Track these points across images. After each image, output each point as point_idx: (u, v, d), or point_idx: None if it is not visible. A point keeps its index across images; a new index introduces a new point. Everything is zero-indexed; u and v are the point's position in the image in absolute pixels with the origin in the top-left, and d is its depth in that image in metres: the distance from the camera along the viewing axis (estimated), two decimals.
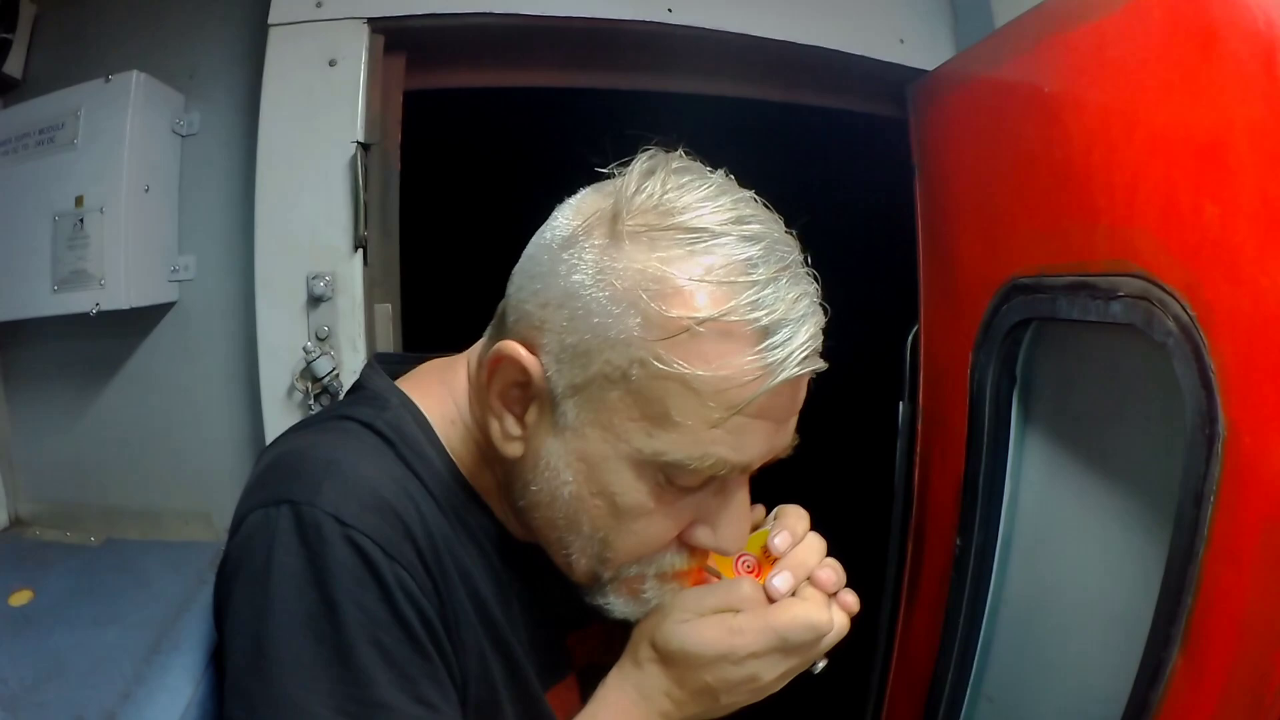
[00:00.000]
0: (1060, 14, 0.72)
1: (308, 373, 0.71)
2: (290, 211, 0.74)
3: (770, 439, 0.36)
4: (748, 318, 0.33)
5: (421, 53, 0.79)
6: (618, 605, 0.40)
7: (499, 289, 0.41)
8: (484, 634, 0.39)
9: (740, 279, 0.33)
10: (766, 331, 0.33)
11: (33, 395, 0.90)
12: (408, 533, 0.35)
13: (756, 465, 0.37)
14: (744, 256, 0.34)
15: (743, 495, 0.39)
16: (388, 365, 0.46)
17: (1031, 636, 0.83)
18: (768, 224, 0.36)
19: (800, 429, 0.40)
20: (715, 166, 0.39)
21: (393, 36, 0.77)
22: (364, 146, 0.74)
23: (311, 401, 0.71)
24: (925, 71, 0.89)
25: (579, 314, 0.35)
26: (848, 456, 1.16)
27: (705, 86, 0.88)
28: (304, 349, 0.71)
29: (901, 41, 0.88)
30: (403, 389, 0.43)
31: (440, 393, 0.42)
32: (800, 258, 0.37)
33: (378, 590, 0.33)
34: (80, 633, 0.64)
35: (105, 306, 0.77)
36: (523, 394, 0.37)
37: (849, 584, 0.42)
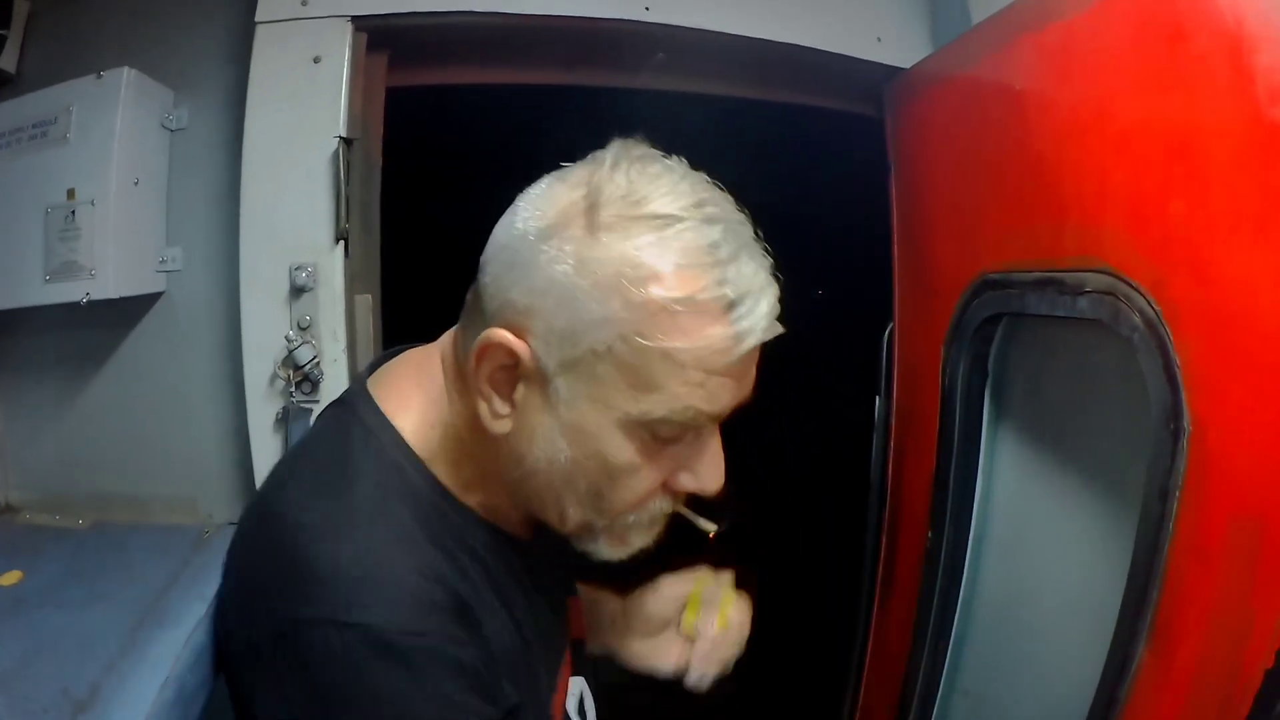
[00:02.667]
0: (1031, 13, 0.73)
1: (289, 361, 0.73)
2: (274, 204, 0.76)
3: (737, 391, 0.41)
4: (716, 294, 0.38)
5: (404, 50, 0.81)
6: (605, 549, 0.45)
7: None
8: (513, 655, 0.43)
9: (706, 260, 0.38)
10: (733, 305, 0.38)
11: (23, 385, 0.92)
12: (441, 607, 0.38)
13: (727, 414, 0.42)
14: (708, 240, 0.38)
15: (716, 441, 0.44)
16: (371, 371, 0.48)
17: (1006, 630, 0.84)
18: (723, 205, 0.41)
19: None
20: (694, 165, 0.42)
21: (375, 34, 0.79)
22: (346, 142, 0.76)
23: (293, 389, 0.73)
24: (902, 70, 0.89)
25: (565, 301, 0.38)
26: (827, 451, 1.17)
27: (683, 84, 0.90)
28: (286, 338, 0.73)
29: (879, 40, 0.89)
30: (382, 398, 0.45)
31: (417, 399, 0.45)
32: (754, 233, 0.41)
33: (459, 678, 0.37)
34: (68, 612, 0.66)
35: (95, 296, 0.79)
36: (510, 375, 0.41)
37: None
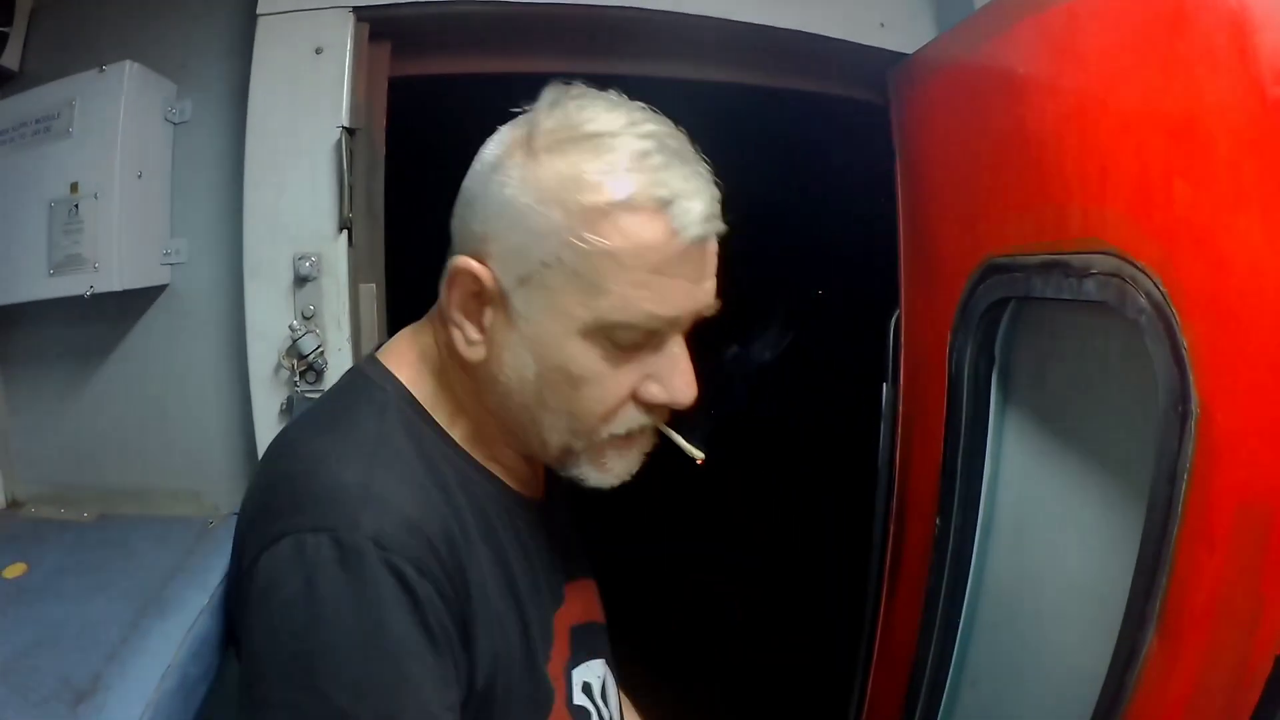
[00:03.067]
0: None
1: (294, 350, 0.74)
2: (278, 195, 0.77)
3: (691, 295, 0.44)
4: (650, 194, 0.41)
5: (406, 40, 0.83)
6: (591, 475, 0.47)
7: None
8: (499, 609, 0.44)
9: (639, 165, 0.41)
10: (667, 203, 0.41)
11: (28, 379, 0.93)
12: (432, 547, 0.40)
13: (686, 321, 0.45)
14: (640, 149, 0.41)
15: (681, 351, 0.45)
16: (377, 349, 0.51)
17: (1015, 619, 0.85)
18: (658, 124, 0.44)
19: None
20: (701, 153, 0.44)
21: (377, 25, 0.81)
22: (349, 131, 0.77)
23: (296, 378, 0.74)
24: (906, 55, 0.90)
25: (514, 220, 0.42)
26: (835, 438, 1.18)
27: (687, 71, 0.91)
28: (290, 327, 0.74)
29: (882, 25, 0.90)
30: (384, 359, 0.48)
31: (412, 354, 0.48)
32: (691, 149, 0.44)
33: (413, 611, 0.38)
34: (70, 603, 0.67)
35: (99, 289, 0.80)
36: (478, 303, 0.44)
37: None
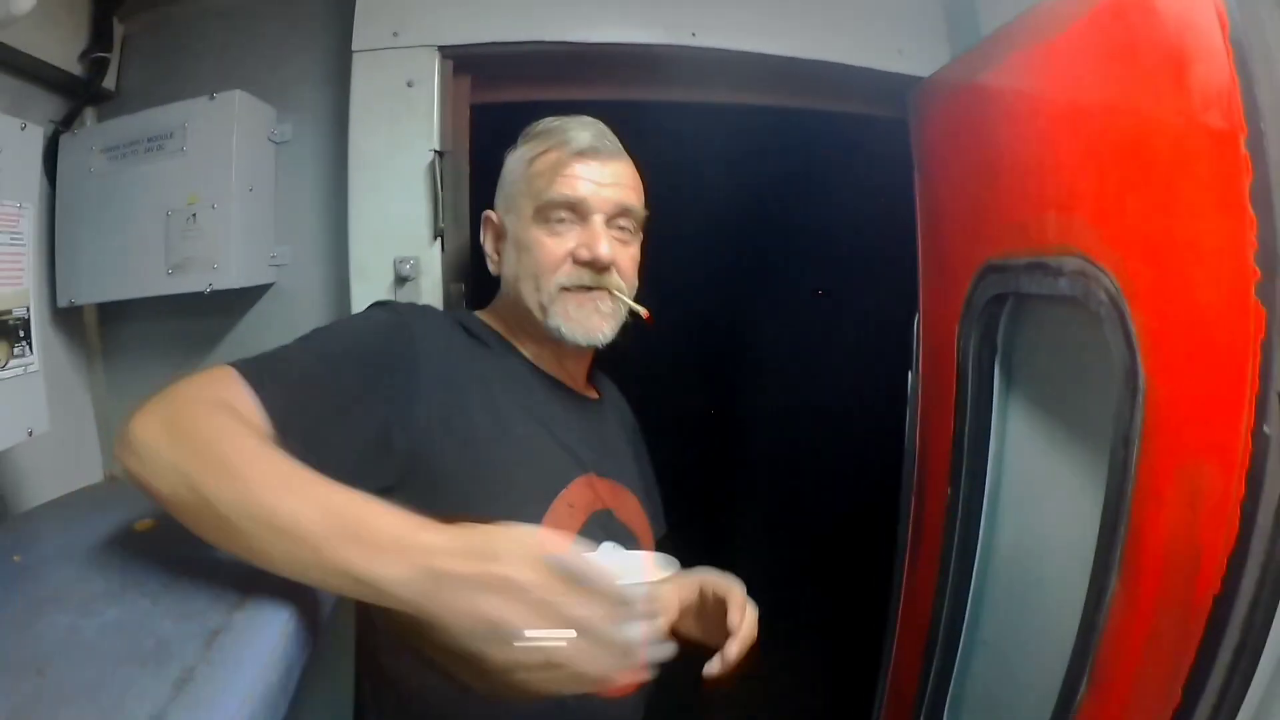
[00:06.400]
0: (1022, 32, 0.99)
1: None
2: (380, 207, 1.06)
3: (596, 191, 0.78)
4: (551, 128, 0.82)
5: (484, 73, 1.12)
6: (562, 325, 0.78)
7: None
8: (512, 418, 0.74)
9: (551, 127, 0.82)
10: (561, 132, 0.80)
11: (130, 369, 1.21)
12: (430, 322, 0.75)
13: (596, 209, 0.79)
14: (558, 122, 0.82)
15: (600, 229, 0.78)
16: None
17: (1020, 580, 1.10)
18: (586, 123, 0.82)
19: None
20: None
21: (460, 61, 1.10)
22: (439, 154, 1.05)
23: None
24: (923, 78, 1.19)
25: (505, 180, 0.84)
26: (873, 423, 1.46)
27: (727, 96, 1.19)
28: None
29: (900, 53, 1.19)
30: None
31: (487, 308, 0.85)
32: (602, 126, 0.82)
33: (407, 325, 0.71)
34: (204, 547, 0.88)
35: (218, 286, 1.08)
36: (497, 237, 0.84)
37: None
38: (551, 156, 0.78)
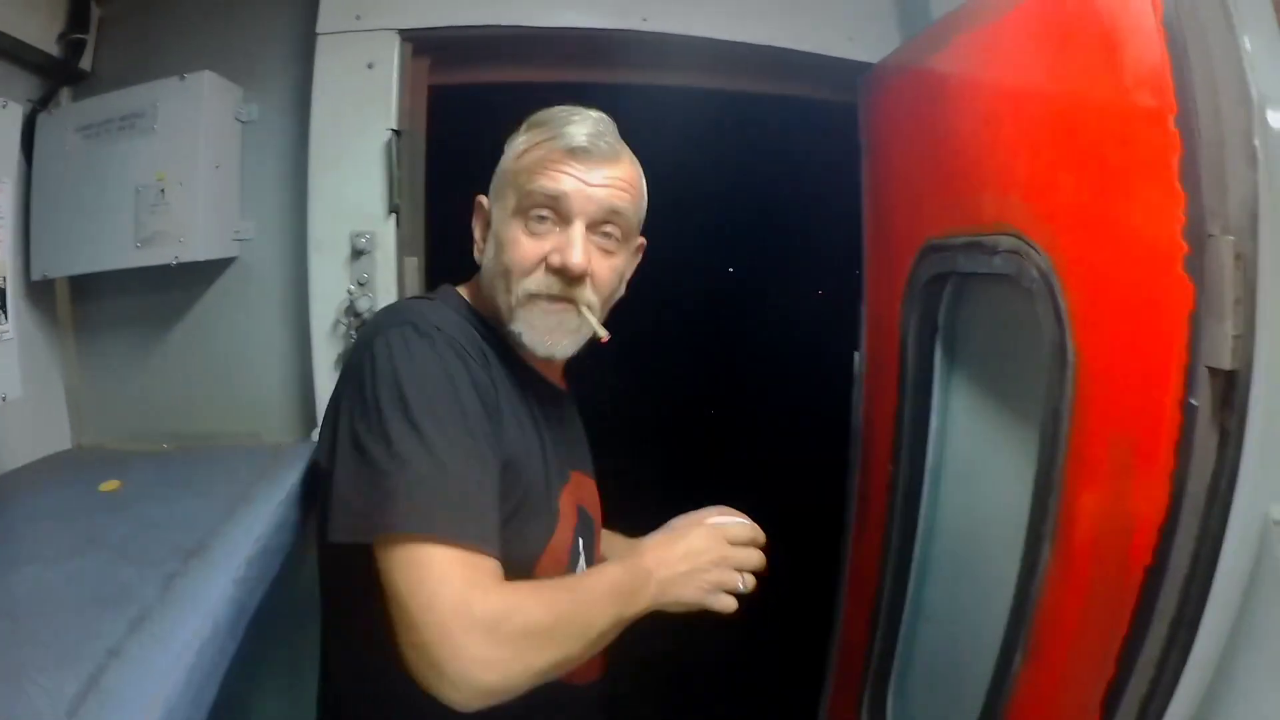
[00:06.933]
0: (967, 17, 1.03)
1: (350, 310, 1.06)
2: (339, 184, 1.10)
3: (582, 191, 0.74)
4: (549, 119, 0.77)
5: (443, 56, 1.16)
6: (525, 332, 0.75)
7: None
8: (525, 429, 0.74)
9: (547, 120, 0.77)
10: (555, 125, 0.75)
11: (101, 343, 1.26)
12: (475, 349, 0.71)
13: (579, 212, 0.74)
14: (554, 117, 0.77)
15: (579, 235, 0.74)
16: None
17: (963, 554, 1.13)
18: (585, 115, 0.77)
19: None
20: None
21: (419, 43, 1.14)
22: (396, 133, 1.10)
23: (352, 333, 1.06)
24: (872, 64, 1.23)
25: (500, 165, 0.80)
26: (824, 402, 1.49)
27: (680, 80, 1.23)
28: (348, 291, 1.07)
29: (850, 39, 1.22)
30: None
31: (466, 287, 0.82)
32: (595, 115, 0.78)
33: (469, 372, 0.68)
34: (168, 505, 0.92)
35: (183, 259, 1.13)
36: (484, 223, 0.81)
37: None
38: (542, 150, 0.73)
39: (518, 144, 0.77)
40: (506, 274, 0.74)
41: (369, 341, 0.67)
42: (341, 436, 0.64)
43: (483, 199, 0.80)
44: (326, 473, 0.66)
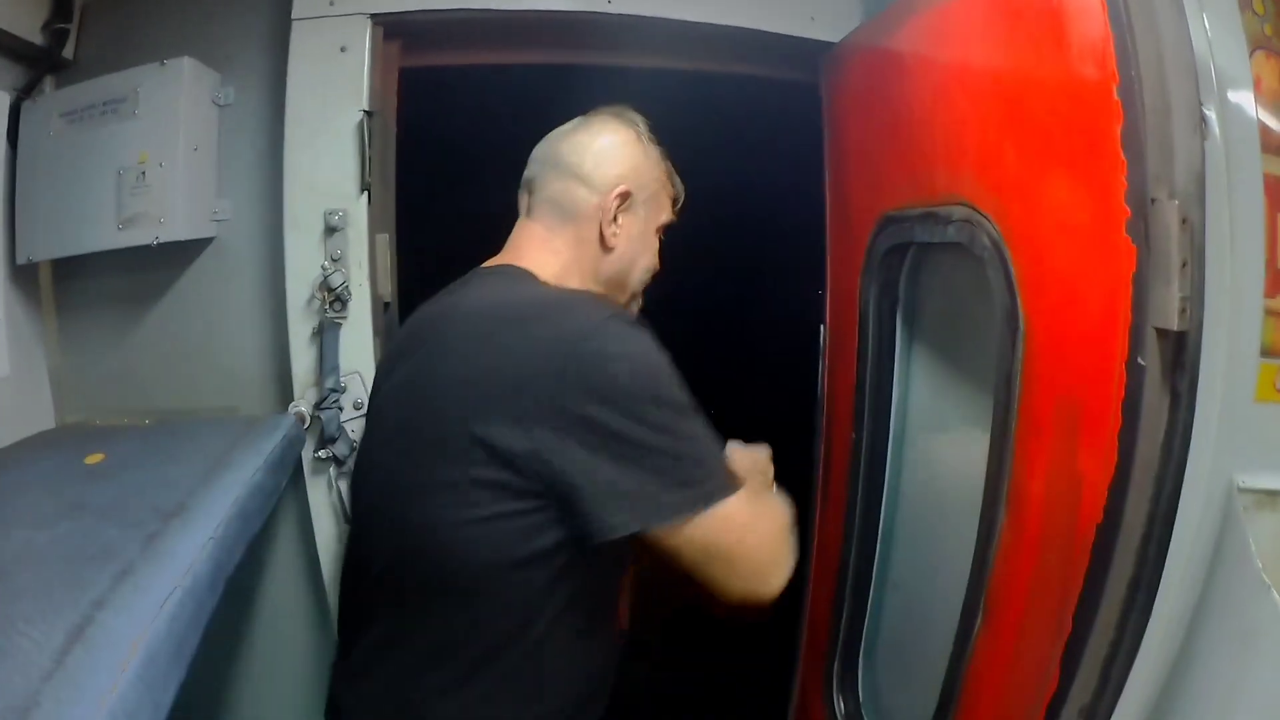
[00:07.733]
0: None
1: (324, 285, 1.10)
2: (312, 164, 1.15)
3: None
4: (668, 168, 0.94)
5: (413, 39, 1.20)
6: (634, 306, 0.93)
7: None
8: None
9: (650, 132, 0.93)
10: (671, 174, 0.94)
11: (83, 323, 1.30)
12: None
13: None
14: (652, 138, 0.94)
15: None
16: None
17: (925, 522, 1.16)
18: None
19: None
20: (666, 129, 0.89)
21: (390, 27, 1.19)
22: (368, 114, 1.14)
23: (326, 307, 1.11)
24: (835, 44, 1.26)
25: (643, 170, 0.90)
26: (787, 375, 1.53)
27: (645, 61, 1.28)
28: (322, 267, 1.11)
29: (812, 19, 1.26)
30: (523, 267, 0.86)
31: (535, 259, 0.87)
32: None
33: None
34: (149, 472, 0.96)
35: (164, 239, 1.17)
36: (621, 209, 0.87)
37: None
38: (671, 184, 0.93)
39: (655, 154, 0.91)
40: (643, 270, 0.91)
41: (585, 335, 0.71)
42: (609, 434, 0.68)
43: (630, 190, 0.86)
44: (580, 469, 0.68)
